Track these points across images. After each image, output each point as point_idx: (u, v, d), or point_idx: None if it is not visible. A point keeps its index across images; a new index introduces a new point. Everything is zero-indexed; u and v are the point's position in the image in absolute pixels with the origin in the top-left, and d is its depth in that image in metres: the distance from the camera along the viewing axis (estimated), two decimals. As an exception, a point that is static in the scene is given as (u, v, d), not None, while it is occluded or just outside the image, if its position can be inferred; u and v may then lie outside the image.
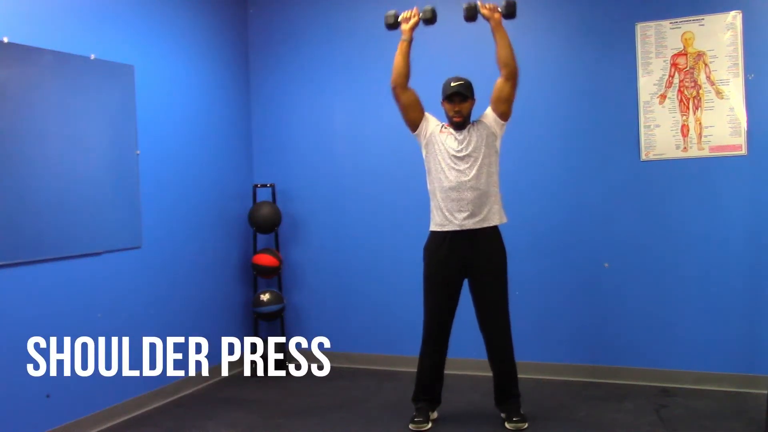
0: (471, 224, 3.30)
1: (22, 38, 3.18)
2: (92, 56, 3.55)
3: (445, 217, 3.33)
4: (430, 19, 3.39)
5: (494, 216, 3.34)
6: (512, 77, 3.31)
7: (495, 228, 3.36)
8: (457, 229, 3.31)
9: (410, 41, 3.37)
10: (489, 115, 3.38)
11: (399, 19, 3.40)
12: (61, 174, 3.37)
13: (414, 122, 3.43)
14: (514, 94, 3.34)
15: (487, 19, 3.32)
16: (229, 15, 4.74)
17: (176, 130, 4.19)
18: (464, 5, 3.33)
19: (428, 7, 3.38)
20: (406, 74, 3.37)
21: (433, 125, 3.43)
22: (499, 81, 3.33)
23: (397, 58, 3.37)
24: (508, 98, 3.33)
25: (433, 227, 3.41)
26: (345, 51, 4.65)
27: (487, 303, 3.36)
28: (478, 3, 3.34)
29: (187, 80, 4.31)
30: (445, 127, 3.41)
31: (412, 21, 3.39)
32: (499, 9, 3.31)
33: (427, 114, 3.45)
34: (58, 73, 3.37)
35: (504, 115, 3.36)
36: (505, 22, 3.34)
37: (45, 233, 3.29)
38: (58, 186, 3.35)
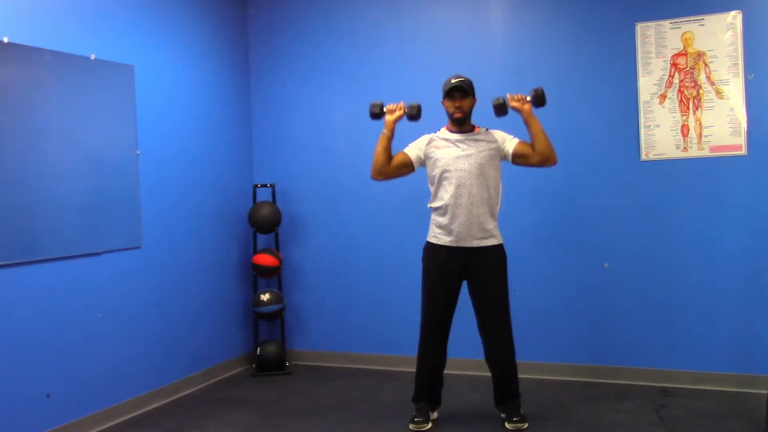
0: (469, 242, 3.29)
1: (22, 38, 3.18)
2: (92, 56, 3.55)
3: (442, 233, 3.33)
4: (414, 115, 3.44)
5: (493, 236, 3.33)
6: (545, 165, 3.35)
7: (493, 245, 3.35)
8: (453, 245, 3.31)
9: (392, 135, 3.40)
10: (506, 145, 3.36)
11: (384, 110, 3.44)
12: (60, 174, 3.37)
13: (410, 170, 3.47)
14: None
15: (517, 111, 3.33)
16: (229, 15, 4.74)
17: (176, 130, 4.19)
18: (493, 101, 3.36)
19: (414, 103, 3.44)
20: (386, 167, 3.41)
21: (423, 146, 3.42)
22: (532, 155, 3.32)
23: (378, 152, 3.40)
24: (527, 165, 3.38)
25: (430, 239, 3.41)
26: (345, 51, 4.65)
27: (488, 306, 3.35)
28: (507, 96, 3.35)
29: (187, 80, 4.31)
30: (439, 140, 3.38)
31: (397, 114, 3.41)
32: (528, 99, 3.32)
33: (408, 152, 3.44)
34: (58, 73, 3.37)
35: (513, 162, 3.39)
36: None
37: (45, 233, 3.29)
38: (57, 186, 3.35)
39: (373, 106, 3.46)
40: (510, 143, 3.36)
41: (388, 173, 3.44)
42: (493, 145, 3.34)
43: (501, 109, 3.37)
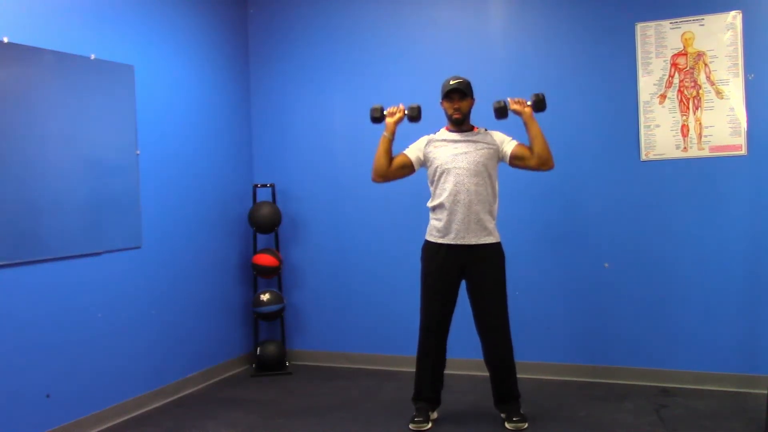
0: (467, 240, 3.30)
1: (22, 38, 3.18)
2: (92, 56, 3.55)
3: (441, 231, 3.33)
4: (415, 116, 3.46)
5: (491, 234, 3.34)
6: (542, 169, 3.36)
7: (492, 243, 3.36)
8: (452, 243, 3.31)
9: (393, 137, 3.42)
10: (504, 147, 3.37)
11: (384, 113, 3.46)
12: (61, 174, 3.37)
13: (411, 171, 3.49)
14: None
15: (518, 114, 3.35)
16: (229, 15, 4.74)
17: (176, 130, 4.19)
18: (494, 104, 3.38)
19: (414, 105, 3.46)
20: (387, 170, 3.42)
21: (422, 146, 3.43)
22: (530, 157, 3.33)
23: (379, 155, 3.42)
24: (524, 168, 3.39)
25: (428, 238, 3.42)
26: (345, 51, 4.65)
27: (486, 306, 3.35)
28: (508, 99, 3.37)
29: (187, 80, 4.31)
30: (438, 141, 3.39)
31: (397, 116, 3.43)
32: (529, 103, 3.34)
33: (408, 153, 3.45)
34: (58, 73, 3.37)
35: (511, 165, 3.40)
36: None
37: (45, 233, 3.29)
38: (58, 186, 3.35)
39: (373, 110, 3.48)
40: (508, 145, 3.37)
41: (388, 175, 3.45)
42: (491, 146, 3.35)
43: (501, 112, 3.38)
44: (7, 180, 3.09)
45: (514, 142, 3.37)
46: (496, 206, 3.38)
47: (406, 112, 3.45)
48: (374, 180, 3.48)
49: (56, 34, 3.37)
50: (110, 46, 3.68)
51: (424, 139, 3.45)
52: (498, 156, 3.37)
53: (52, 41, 3.33)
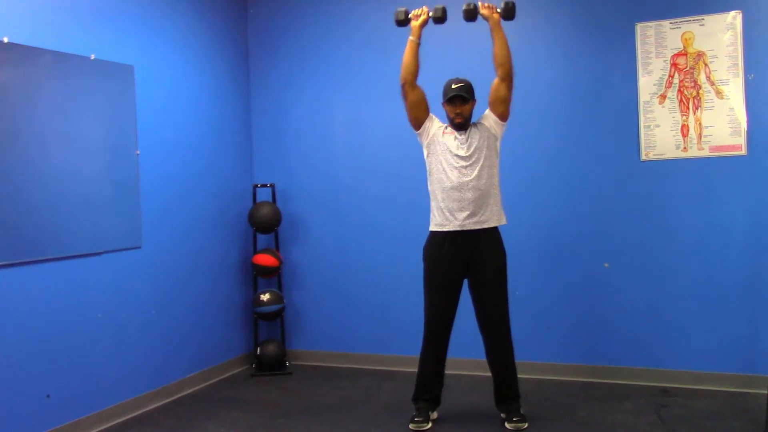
0: (471, 224, 3.31)
1: (22, 38, 3.18)
2: (92, 56, 3.55)
3: (445, 217, 3.34)
4: (440, 17, 3.43)
5: (494, 217, 3.35)
6: (507, 77, 3.33)
7: (495, 229, 3.37)
8: (458, 229, 3.31)
9: (419, 40, 3.40)
10: (489, 116, 3.39)
11: (409, 16, 3.44)
12: (61, 174, 3.37)
13: (418, 121, 3.44)
14: (511, 95, 3.36)
15: (485, 18, 3.36)
16: (229, 15, 4.74)
17: (176, 130, 4.19)
18: (464, 6, 3.38)
19: (439, 5, 3.42)
20: (415, 71, 3.39)
21: (436, 127, 3.44)
22: (496, 82, 3.36)
23: (407, 56, 3.40)
24: (504, 99, 3.35)
25: (432, 227, 3.42)
26: (345, 51, 4.65)
27: (488, 304, 3.36)
28: (478, 3, 3.36)
29: (187, 80, 4.31)
30: (447, 128, 3.42)
31: (422, 18, 3.42)
32: (498, 10, 3.34)
33: (431, 115, 3.46)
34: (58, 73, 3.37)
35: (502, 115, 3.38)
36: (504, 22, 3.36)
37: (45, 233, 3.29)
38: (58, 186, 3.35)
39: (398, 13, 3.46)
40: (488, 112, 3.40)
41: (413, 85, 3.39)
42: (486, 130, 3.36)
43: (471, 14, 3.39)
44: (7, 180, 3.09)
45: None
46: (497, 191, 3.38)
47: (430, 14, 3.43)
48: (401, 82, 3.41)
49: (56, 34, 3.37)
50: (110, 46, 3.68)
51: (440, 123, 3.46)
52: (494, 134, 3.38)
53: (52, 41, 3.33)
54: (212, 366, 4.43)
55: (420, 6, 3.45)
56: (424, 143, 3.44)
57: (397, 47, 4.47)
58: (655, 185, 3.97)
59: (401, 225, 4.47)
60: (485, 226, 3.33)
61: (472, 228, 3.31)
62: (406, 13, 3.45)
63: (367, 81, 4.57)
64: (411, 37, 3.41)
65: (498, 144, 3.40)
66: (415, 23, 3.42)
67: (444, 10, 3.42)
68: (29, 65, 3.23)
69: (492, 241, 3.36)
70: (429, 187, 3.44)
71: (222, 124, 4.64)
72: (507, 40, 3.34)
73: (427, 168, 3.44)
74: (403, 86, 3.41)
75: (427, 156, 3.44)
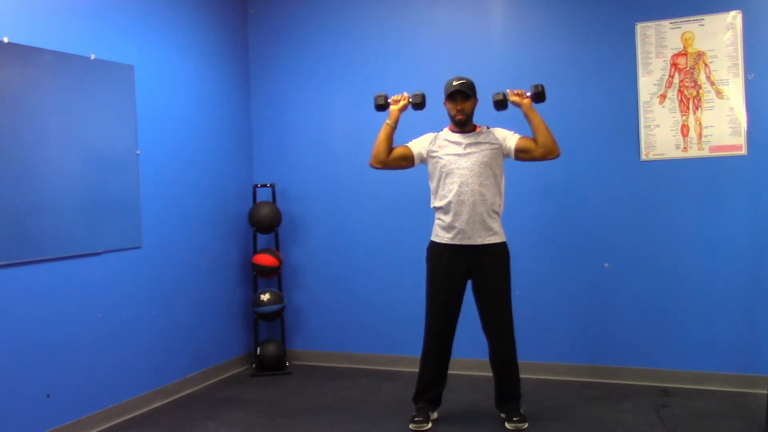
0: (473, 240, 3.29)
1: (22, 38, 3.18)
2: (92, 56, 3.55)
3: (446, 231, 3.33)
4: (419, 104, 3.47)
5: (496, 234, 3.33)
6: (548, 158, 3.34)
7: (497, 243, 3.35)
8: (457, 243, 3.31)
9: (395, 125, 3.42)
10: (507, 142, 3.35)
11: (389, 101, 3.47)
12: (61, 174, 3.37)
13: (410, 164, 3.47)
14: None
15: (517, 105, 3.35)
16: (229, 15, 4.74)
17: (176, 130, 4.19)
18: (493, 96, 3.39)
19: (419, 92, 3.47)
20: (387, 156, 3.41)
21: (426, 144, 3.42)
22: (535, 149, 3.32)
23: (380, 140, 3.41)
24: (530, 160, 3.37)
25: (434, 238, 3.42)
26: (345, 51, 4.65)
27: (491, 306, 3.36)
28: (507, 91, 3.38)
29: (187, 80, 4.31)
30: (444, 138, 3.39)
31: (402, 103, 3.44)
32: (528, 94, 3.34)
33: (411, 147, 3.45)
34: (58, 73, 3.37)
35: (515, 158, 3.38)
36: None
37: (45, 233, 3.29)
38: (58, 186, 3.35)
39: (377, 98, 3.49)
40: (511, 140, 3.36)
41: (387, 163, 3.43)
42: (494, 144, 3.34)
43: (501, 104, 3.39)
44: (7, 180, 3.09)
45: (517, 136, 3.36)
46: (501, 205, 3.38)
47: (410, 99, 3.46)
48: (371, 165, 3.47)
49: (56, 34, 3.37)
50: (110, 46, 3.68)
51: (428, 137, 3.44)
52: (503, 153, 3.37)
53: (52, 41, 3.33)
54: (212, 366, 4.43)
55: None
56: (426, 164, 3.44)
57: (397, 47, 4.52)
58: (655, 185, 3.97)
59: (401, 225, 4.47)
60: (486, 242, 3.31)
61: (474, 243, 3.29)
62: (386, 98, 3.48)
63: (367, 81, 4.56)
64: (388, 121, 3.43)
65: (502, 161, 3.38)
66: (394, 107, 3.44)
67: (423, 97, 3.46)
68: (29, 65, 3.23)
69: (495, 246, 3.35)
70: (431, 205, 3.43)
71: (222, 124, 4.64)
72: (545, 123, 3.32)
73: (431, 186, 3.43)
74: (373, 167, 3.45)
75: (430, 172, 3.43)
